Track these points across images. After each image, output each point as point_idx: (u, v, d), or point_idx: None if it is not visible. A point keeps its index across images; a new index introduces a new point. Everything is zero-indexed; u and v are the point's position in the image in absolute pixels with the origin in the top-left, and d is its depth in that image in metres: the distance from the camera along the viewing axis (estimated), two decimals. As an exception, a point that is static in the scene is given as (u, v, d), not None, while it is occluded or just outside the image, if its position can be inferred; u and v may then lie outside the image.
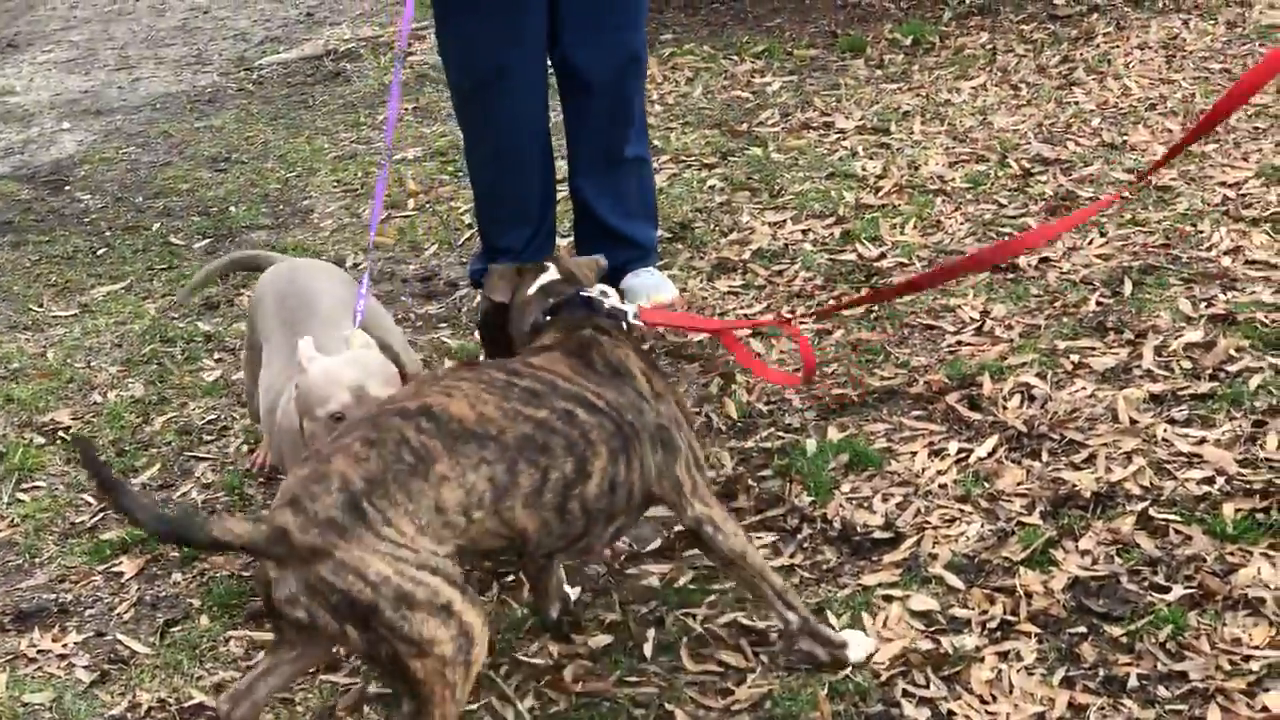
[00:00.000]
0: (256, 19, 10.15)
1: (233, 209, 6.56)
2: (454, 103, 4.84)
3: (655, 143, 6.69)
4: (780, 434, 4.30)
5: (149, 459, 4.55)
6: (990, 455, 4.02)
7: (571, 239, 5.11)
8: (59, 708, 3.54)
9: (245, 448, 4.54)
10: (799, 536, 3.84)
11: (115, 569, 4.04)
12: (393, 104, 4.23)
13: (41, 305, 5.80)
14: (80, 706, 3.53)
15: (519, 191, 4.78)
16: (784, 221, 5.68)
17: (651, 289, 4.87)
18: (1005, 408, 4.21)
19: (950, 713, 3.18)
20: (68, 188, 7.06)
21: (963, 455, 4.04)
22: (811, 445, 4.17)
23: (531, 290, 3.49)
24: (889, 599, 3.54)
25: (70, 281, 5.99)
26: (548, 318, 3.40)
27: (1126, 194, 4.50)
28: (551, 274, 3.52)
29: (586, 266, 3.65)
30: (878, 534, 3.79)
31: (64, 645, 3.73)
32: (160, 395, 4.97)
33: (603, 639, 3.55)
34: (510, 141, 4.69)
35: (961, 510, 3.82)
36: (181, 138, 7.63)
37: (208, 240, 6.26)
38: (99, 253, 6.26)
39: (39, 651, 3.74)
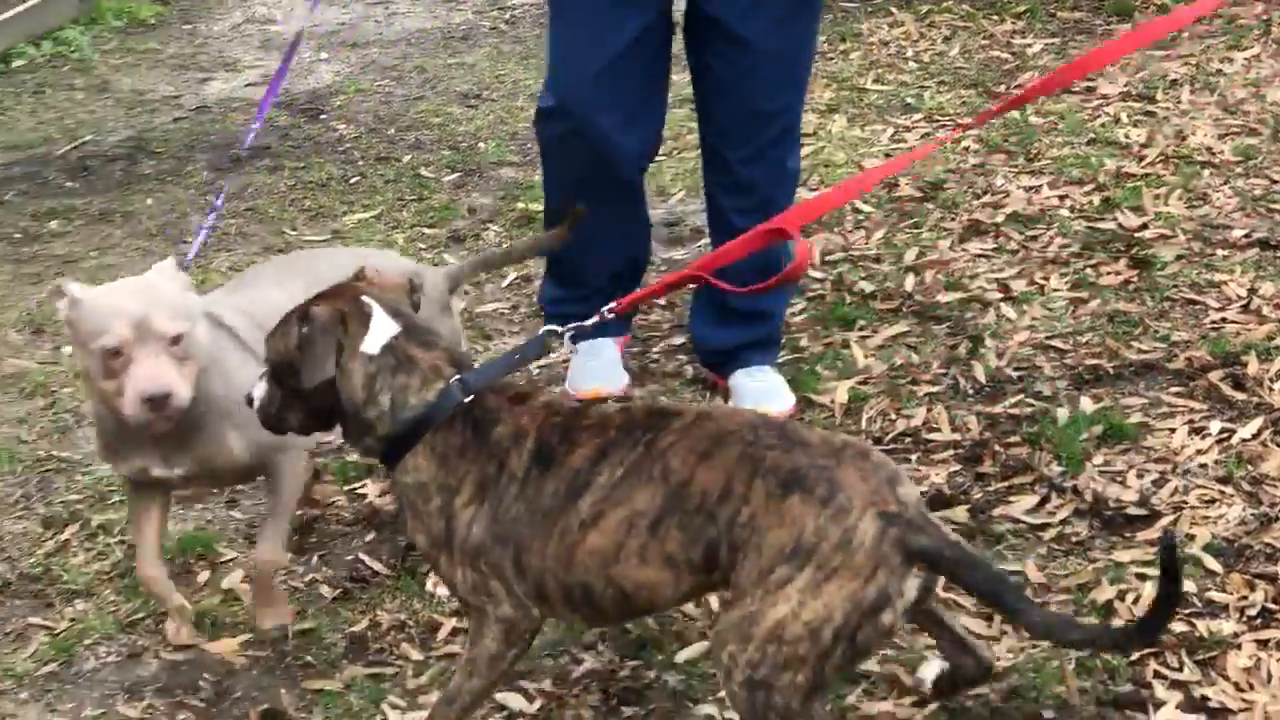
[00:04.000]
0: (511, -40, 10.21)
1: (482, 145, 6.61)
2: None
3: (909, 100, 6.57)
4: (1030, 401, 4.19)
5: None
6: (1255, 437, 3.87)
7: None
8: (301, 620, 3.60)
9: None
10: (1048, 506, 3.73)
11: (359, 490, 4.10)
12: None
13: (295, 229, 5.90)
14: (323, 621, 3.59)
15: None
16: (1040, 186, 5.53)
17: (765, 396, 4.25)
18: (1272, 390, 4.04)
19: (1204, 698, 3.07)
20: (323, 116, 7.18)
21: (1225, 435, 3.89)
22: (1063, 414, 4.06)
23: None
24: (1142, 577, 3.42)
25: (323, 207, 6.09)
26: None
27: None
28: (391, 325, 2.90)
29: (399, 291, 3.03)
30: (1131, 510, 3.67)
31: (308, 561, 3.79)
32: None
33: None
34: None
35: (1222, 492, 3.69)
36: (434, 73, 7.70)
37: (457, 174, 6.31)
38: (351, 181, 6.35)
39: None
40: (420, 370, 2.85)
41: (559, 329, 3.01)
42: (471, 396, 2.83)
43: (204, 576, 3.79)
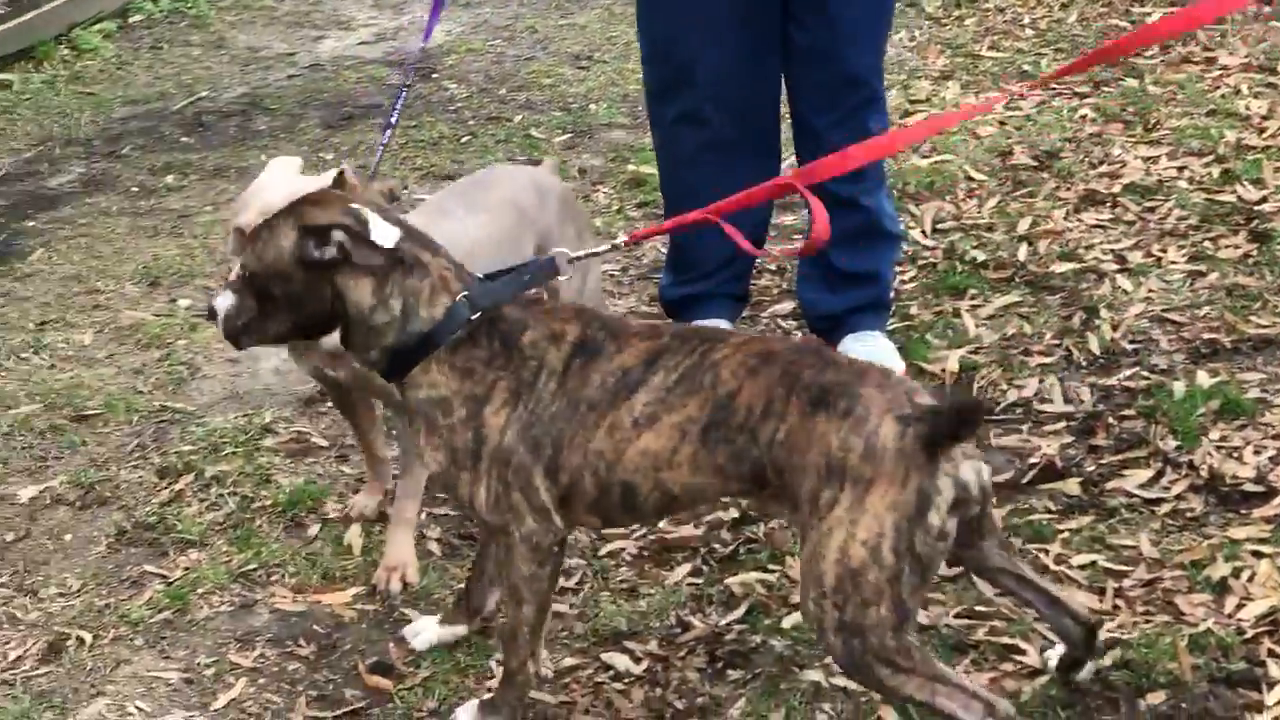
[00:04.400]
0: (623, -79, 10.18)
1: (593, 106, 6.61)
2: None
3: (1025, 67, 6.49)
4: (1145, 374, 4.13)
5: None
6: (1376, 415, 3.79)
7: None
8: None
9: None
10: (1162, 480, 3.69)
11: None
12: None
13: (406, 188, 5.93)
14: (431, 577, 3.62)
15: None
16: (1158, 157, 5.44)
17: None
18: (1395, 368, 3.97)
19: (1320, 679, 3.02)
20: (435, 75, 7.21)
21: (1345, 413, 3.82)
22: (1179, 388, 4.00)
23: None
24: (1258, 555, 3.38)
25: (434, 166, 6.12)
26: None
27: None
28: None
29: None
30: (1248, 486, 3.62)
31: (420, 516, 3.82)
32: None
33: (945, 569, 3.47)
34: None
35: (1341, 470, 3.62)
36: (546, 33, 7.71)
37: (568, 135, 6.32)
38: (462, 140, 6.37)
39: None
40: (430, 278, 2.82)
41: (569, 252, 2.99)
42: (480, 313, 2.81)
43: (314, 530, 3.83)
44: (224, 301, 2.92)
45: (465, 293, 2.83)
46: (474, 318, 2.81)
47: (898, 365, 4.22)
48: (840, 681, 3.11)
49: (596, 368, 2.79)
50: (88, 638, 3.50)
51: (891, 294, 4.45)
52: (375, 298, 2.81)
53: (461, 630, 3.37)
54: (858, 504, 2.59)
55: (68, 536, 3.90)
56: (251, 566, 3.70)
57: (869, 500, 2.58)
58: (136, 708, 3.29)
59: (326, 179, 3.16)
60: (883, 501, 2.58)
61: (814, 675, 3.18)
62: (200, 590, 3.63)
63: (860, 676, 2.72)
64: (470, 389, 2.82)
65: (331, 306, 2.83)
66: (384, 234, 2.79)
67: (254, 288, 2.88)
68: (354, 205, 2.84)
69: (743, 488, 2.79)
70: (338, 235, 2.77)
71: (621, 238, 3.14)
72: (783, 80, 4.27)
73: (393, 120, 4.13)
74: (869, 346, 4.26)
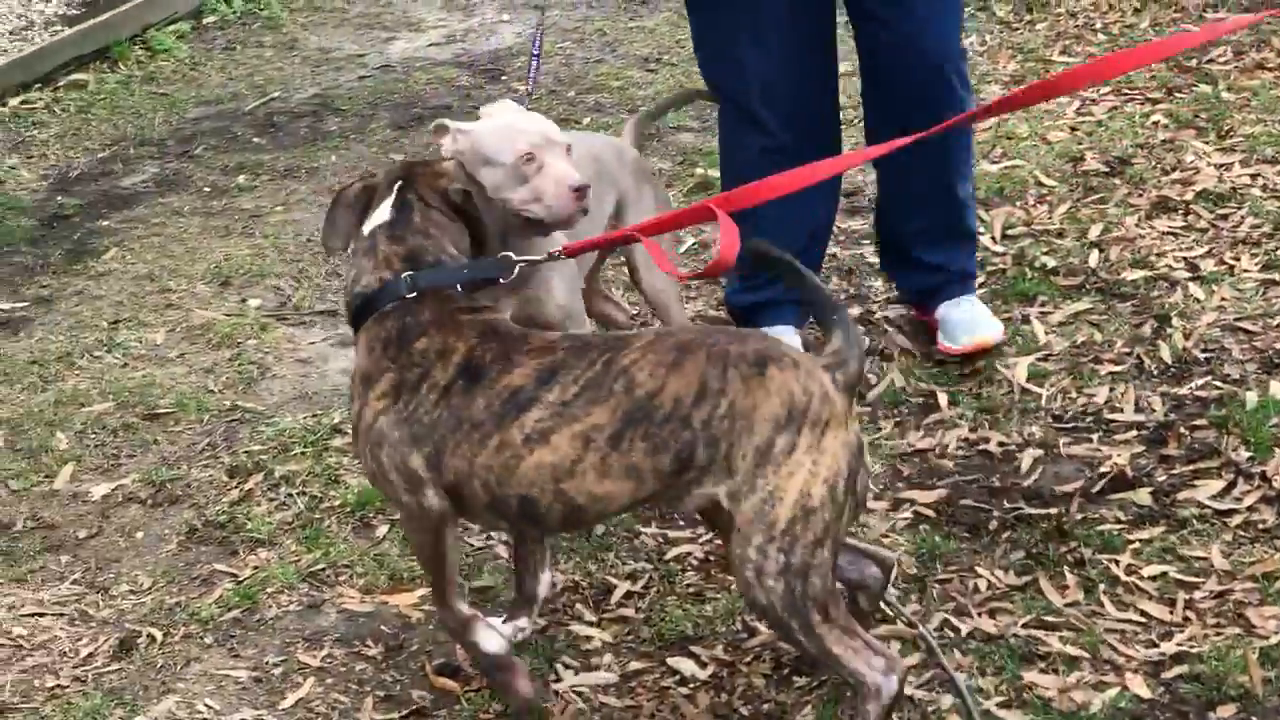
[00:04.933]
0: (692, -76, 10.18)
1: (661, 109, 6.60)
2: None
3: (1097, 72, 6.44)
4: (1218, 384, 4.10)
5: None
6: None
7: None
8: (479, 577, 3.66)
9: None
10: (1234, 491, 3.66)
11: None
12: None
13: (475, 189, 5.96)
14: (499, 580, 3.64)
15: None
16: (1232, 164, 5.38)
17: (973, 325, 4.34)
18: None
19: (1394, 695, 2.98)
20: (504, 77, 7.23)
21: None
22: (1252, 398, 3.97)
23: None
24: (1330, 569, 3.34)
25: (503, 168, 6.13)
26: None
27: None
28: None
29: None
30: (1322, 499, 3.58)
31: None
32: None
33: (1014, 579, 3.46)
34: None
35: None
36: (615, 36, 7.71)
37: (636, 138, 6.32)
38: (531, 142, 6.39)
39: (465, 528, 3.85)
40: (376, 258, 3.06)
41: (513, 257, 3.14)
42: (414, 294, 2.99)
43: (382, 530, 3.85)
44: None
45: (409, 273, 3.01)
46: (409, 296, 2.99)
47: (996, 325, 4.34)
48: (905, 690, 3.10)
49: (480, 391, 2.90)
50: (158, 635, 3.53)
51: (974, 263, 4.51)
52: (352, 268, 3.14)
53: (524, 623, 3.39)
54: (816, 445, 2.76)
55: (139, 534, 3.94)
56: (320, 566, 3.72)
57: (826, 441, 2.77)
58: (206, 705, 3.32)
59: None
60: (837, 440, 2.78)
61: (880, 683, 3.17)
62: (269, 589, 3.66)
63: (793, 622, 2.80)
64: (366, 365, 3.01)
65: None
66: (373, 221, 3.12)
67: None
68: (394, 184, 3.15)
69: (655, 486, 2.85)
70: None
71: (558, 248, 3.24)
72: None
73: (536, 48, 4.35)
74: (966, 312, 4.36)
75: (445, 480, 2.94)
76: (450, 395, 2.90)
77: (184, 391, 4.55)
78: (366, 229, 3.11)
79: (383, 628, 3.52)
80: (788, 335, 4.34)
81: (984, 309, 4.40)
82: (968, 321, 4.33)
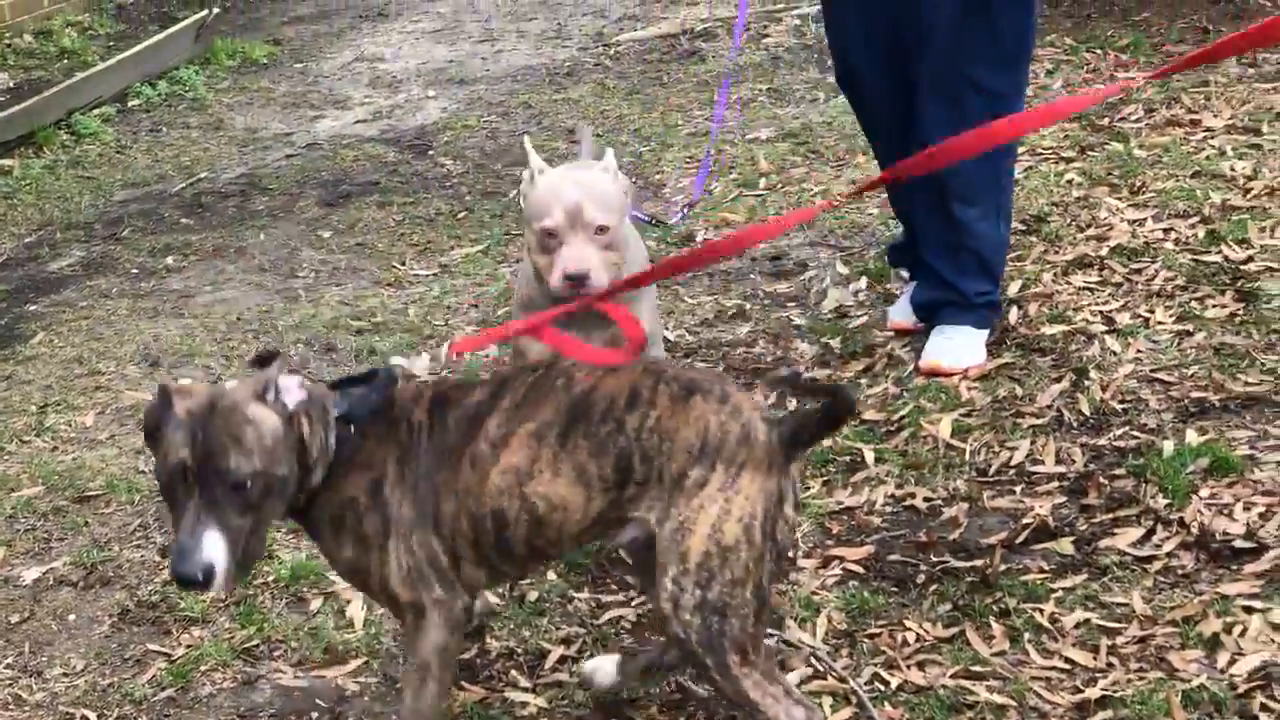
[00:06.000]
0: (614, -3, 10.33)
1: (587, 180, 6.67)
2: None
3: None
4: (1135, 434, 4.17)
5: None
6: (1364, 470, 3.83)
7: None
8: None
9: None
10: (1154, 538, 3.72)
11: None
12: (723, 89, 4.26)
13: (404, 263, 6.00)
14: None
15: None
16: (1145, 219, 5.50)
17: (947, 354, 4.65)
18: (1382, 422, 4.01)
19: (1312, 732, 3.05)
20: (431, 152, 7.30)
21: (1333, 468, 3.86)
22: (1169, 447, 4.04)
23: None
24: (1249, 610, 3.41)
25: (431, 242, 6.19)
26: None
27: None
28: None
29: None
30: (1239, 543, 3.65)
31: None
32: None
33: (942, 631, 3.51)
34: None
35: (1330, 525, 3.66)
36: (540, 108, 7.81)
37: (562, 209, 6.38)
38: (459, 215, 6.45)
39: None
40: (318, 422, 2.95)
41: (402, 363, 3.21)
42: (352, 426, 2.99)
43: (316, 604, 3.87)
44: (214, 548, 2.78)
45: (339, 414, 2.97)
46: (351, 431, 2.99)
47: (960, 357, 4.63)
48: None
49: (450, 412, 3.00)
50: (92, 717, 3.52)
51: (976, 298, 4.72)
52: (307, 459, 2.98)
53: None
54: (730, 484, 2.78)
55: (71, 617, 3.93)
56: (254, 642, 3.73)
57: (741, 482, 2.78)
58: (141, 785, 3.32)
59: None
60: (753, 484, 2.78)
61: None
62: (203, 667, 3.66)
63: (708, 659, 2.82)
64: (371, 476, 2.99)
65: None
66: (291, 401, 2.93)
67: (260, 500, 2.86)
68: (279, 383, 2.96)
69: (607, 496, 2.88)
70: None
71: (444, 348, 3.32)
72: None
73: (723, 92, 4.69)
74: (945, 338, 4.69)
75: (445, 539, 2.96)
76: (432, 430, 2.97)
77: (114, 474, 4.55)
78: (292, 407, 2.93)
79: (319, 701, 3.53)
80: (965, 335, 4.68)
81: (962, 341, 4.67)
82: (938, 346, 4.67)
